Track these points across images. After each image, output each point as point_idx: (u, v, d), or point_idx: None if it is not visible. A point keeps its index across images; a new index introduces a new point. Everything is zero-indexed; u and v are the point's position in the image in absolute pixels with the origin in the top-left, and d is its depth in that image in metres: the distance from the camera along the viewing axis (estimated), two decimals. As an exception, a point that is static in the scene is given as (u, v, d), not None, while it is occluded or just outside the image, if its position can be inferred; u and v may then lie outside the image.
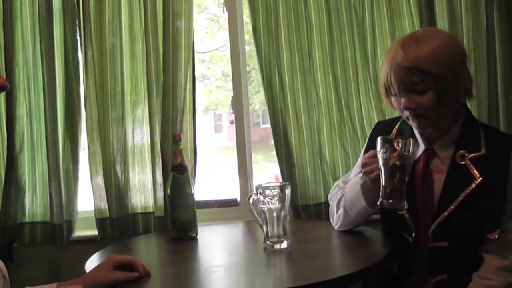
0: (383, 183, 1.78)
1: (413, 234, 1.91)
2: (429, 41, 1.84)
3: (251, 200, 2.01)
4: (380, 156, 1.79)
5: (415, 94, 1.83)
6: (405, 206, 1.79)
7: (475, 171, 1.84)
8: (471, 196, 1.82)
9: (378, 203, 1.80)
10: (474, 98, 2.16)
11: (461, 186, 1.84)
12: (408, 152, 1.77)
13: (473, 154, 1.87)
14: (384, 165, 1.78)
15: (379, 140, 1.80)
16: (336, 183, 2.29)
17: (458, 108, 1.94)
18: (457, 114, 1.95)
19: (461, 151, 1.88)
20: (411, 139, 1.80)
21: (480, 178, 1.82)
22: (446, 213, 1.84)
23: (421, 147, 1.98)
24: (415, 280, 1.92)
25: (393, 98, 1.92)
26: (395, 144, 1.77)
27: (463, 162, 1.87)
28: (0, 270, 1.46)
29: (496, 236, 1.81)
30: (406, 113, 1.89)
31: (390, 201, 1.77)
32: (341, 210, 2.09)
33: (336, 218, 2.14)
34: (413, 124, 1.92)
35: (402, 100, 1.86)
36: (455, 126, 1.93)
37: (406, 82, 1.82)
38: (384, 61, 1.91)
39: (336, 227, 2.16)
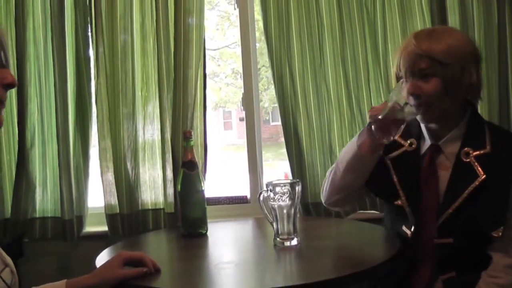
0: (383, 113, 1.80)
1: (412, 229, 1.91)
2: (443, 36, 1.87)
3: (261, 197, 2.01)
4: (392, 92, 1.83)
5: (421, 80, 1.85)
6: (388, 141, 1.82)
7: (479, 168, 1.84)
8: (474, 193, 1.83)
9: (368, 120, 1.84)
10: (483, 99, 2.16)
11: (466, 183, 1.84)
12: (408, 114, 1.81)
13: (477, 152, 1.87)
14: (391, 101, 1.80)
15: (399, 83, 1.86)
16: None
17: (463, 105, 1.94)
18: (464, 111, 1.95)
19: (466, 149, 1.89)
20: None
21: (484, 176, 1.82)
22: (450, 210, 1.84)
23: (427, 142, 1.98)
24: (423, 278, 1.92)
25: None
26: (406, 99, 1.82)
27: (467, 160, 1.87)
28: (8, 266, 1.46)
29: (500, 233, 1.81)
30: (411, 101, 1.89)
31: (377, 122, 1.80)
32: (332, 174, 2.08)
33: (325, 185, 2.13)
34: (418, 116, 1.93)
35: (408, 85, 1.87)
36: (461, 123, 1.94)
37: (414, 68, 1.85)
38: (397, 53, 1.95)
39: (324, 199, 2.15)
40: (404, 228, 1.94)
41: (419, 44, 1.84)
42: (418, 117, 1.94)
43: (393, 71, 1.98)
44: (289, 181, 1.96)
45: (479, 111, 2.06)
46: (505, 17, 2.51)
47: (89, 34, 2.70)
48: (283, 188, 1.92)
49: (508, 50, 2.52)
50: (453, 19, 2.55)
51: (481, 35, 2.52)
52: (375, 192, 2.13)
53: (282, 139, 2.74)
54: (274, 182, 1.95)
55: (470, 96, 1.94)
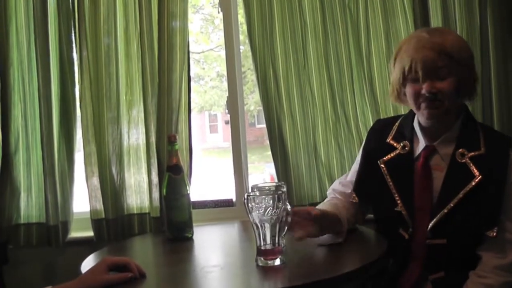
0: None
1: (410, 230, 1.92)
2: (450, 32, 1.98)
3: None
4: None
5: (437, 79, 1.87)
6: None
7: (474, 169, 1.86)
8: (470, 194, 1.84)
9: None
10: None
11: (461, 184, 1.86)
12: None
13: (472, 153, 1.89)
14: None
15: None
16: (333, 184, 2.30)
17: (460, 106, 1.96)
18: (459, 112, 1.97)
19: (461, 150, 1.91)
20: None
21: (480, 176, 1.84)
22: (445, 210, 1.86)
23: (421, 144, 1.99)
24: (412, 277, 1.93)
25: (408, 85, 1.93)
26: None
27: (463, 161, 1.89)
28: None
29: (494, 234, 1.82)
30: (421, 99, 1.90)
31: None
32: None
33: None
34: (424, 112, 1.93)
35: (424, 85, 1.88)
36: (456, 124, 1.96)
37: (432, 67, 1.86)
38: (403, 51, 1.94)
39: None
40: (401, 231, 1.95)
41: (433, 38, 1.87)
42: (420, 117, 1.96)
43: (397, 70, 1.96)
44: (274, 184, 1.97)
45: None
46: (487, 19, 2.52)
47: (73, 38, 2.67)
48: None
49: (490, 52, 2.53)
50: (436, 21, 2.56)
51: (464, 37, 2.53)
52: (375, 203, 2.13)
53: (268, 142, 2.74)
54: (259, 185, 1.94)
55: (470, 96, 1.97)
